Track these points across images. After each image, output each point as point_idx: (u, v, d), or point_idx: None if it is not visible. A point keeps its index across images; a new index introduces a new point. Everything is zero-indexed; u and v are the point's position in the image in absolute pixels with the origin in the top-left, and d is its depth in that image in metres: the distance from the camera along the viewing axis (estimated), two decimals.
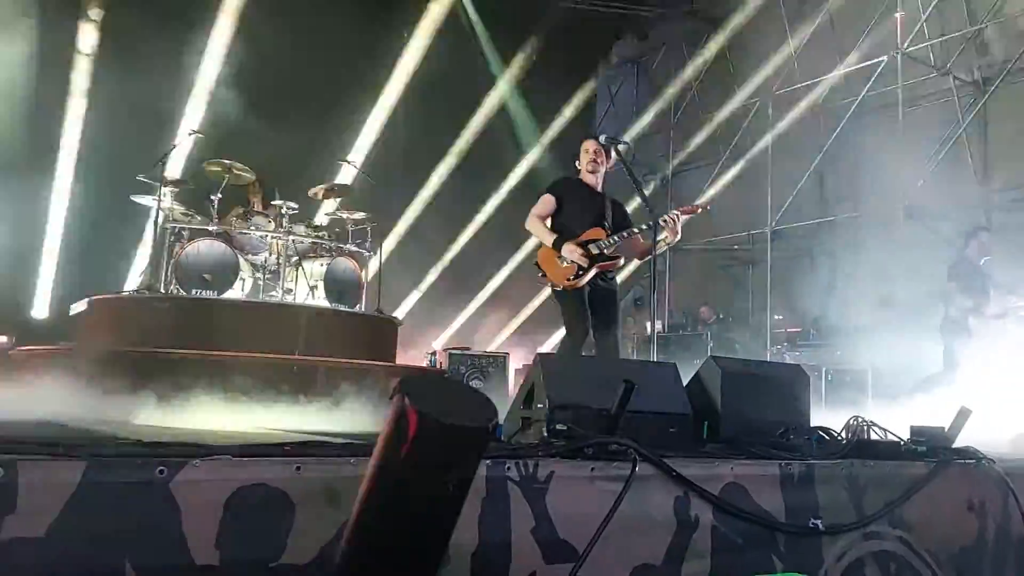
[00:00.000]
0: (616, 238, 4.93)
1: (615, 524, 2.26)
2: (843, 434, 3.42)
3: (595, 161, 5.05)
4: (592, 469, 2.37)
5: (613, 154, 5.19)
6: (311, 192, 8.16)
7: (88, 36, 9.30)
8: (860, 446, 3.19)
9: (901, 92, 10.88)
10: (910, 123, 10.86)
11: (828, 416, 3.57)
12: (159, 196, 7.05)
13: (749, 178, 13.80)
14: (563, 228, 4.96)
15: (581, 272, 4.84)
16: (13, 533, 1.66)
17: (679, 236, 4.92)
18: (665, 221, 4.85)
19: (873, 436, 3.45)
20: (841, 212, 11.73)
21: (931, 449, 3.27)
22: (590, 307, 4.92)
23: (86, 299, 6.93)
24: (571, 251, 4.82)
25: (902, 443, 3.31)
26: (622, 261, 5.04)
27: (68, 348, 6.40)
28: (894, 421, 3.55)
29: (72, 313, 7.19)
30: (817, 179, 12.16)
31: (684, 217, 4.90)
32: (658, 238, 4.75)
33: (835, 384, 9.14)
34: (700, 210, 5.07)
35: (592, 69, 14.68)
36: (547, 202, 5.02)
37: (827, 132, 12.04)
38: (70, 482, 1.72)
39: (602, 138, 5.20)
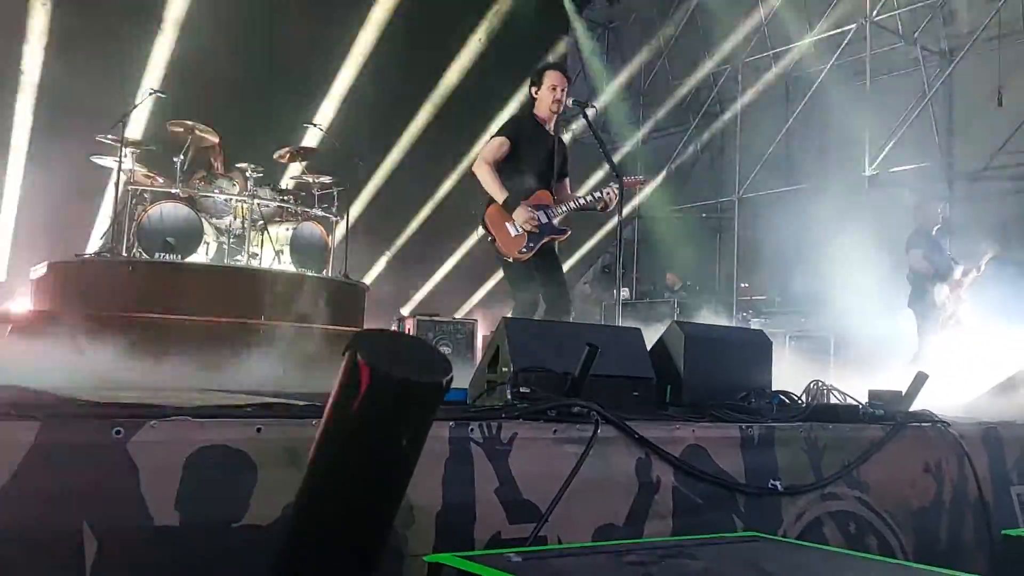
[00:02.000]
0: (563, 208, 4.76)
1: (577, 485, 2.28)
2: (803, 398, 3.48)
3: (558, 100, 4.70)
4: (555, 431, 2.39)
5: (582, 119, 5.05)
6: (276, 155, 8.03)
7: None
8: (819, 410, 3.25)
9: (869, 61, 10.94)
10: (877, 92, 10.95)
11: (790, 382, 3.62)
12: (120, 157, 6.89)
13: (717, 146, 13.86)
14: (512, 179, 4.67)
15: (532, 246, 4.62)
16: None
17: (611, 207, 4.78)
18: (608, 195, 4.77)
19: (833, 400, 3.52)
20: (807, 181, 11.84)
21: (888, 413, 3.33)
22: (538, 270, 4.72)
23: (45, 263, 6.78)
24: (526, 218, 4.55)
25: (860, 407, 3.38)
26: (569, 233, 4.85)
27: (30, 312, 6.29)
28: (855, 386, 3.62)
29: (32, 277, 7.04)
30: (784, 147, 12.24)
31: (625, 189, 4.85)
32: (596, 207, 4.74)
33: (797, 350, 9.29)
34: (638, 185, 5.04)
35: (563, 32, 14.55)
36: (500, 145, 4.66)
37: (795, 101, 12.09)
38: (24, 442, 1.70)
39: (570, 101, 4.97)
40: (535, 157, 4.75)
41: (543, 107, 4.79)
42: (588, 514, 2.36)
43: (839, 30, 11.45)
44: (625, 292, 13.22)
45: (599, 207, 4.84)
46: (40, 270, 6.86)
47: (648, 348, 3.27)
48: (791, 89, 12.52)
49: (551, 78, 4.73)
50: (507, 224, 4.63)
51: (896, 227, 8.27)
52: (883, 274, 8.21)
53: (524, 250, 4.63)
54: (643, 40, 14.61)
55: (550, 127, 4.91)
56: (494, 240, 4.68)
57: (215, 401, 2.24)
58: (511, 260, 4.66)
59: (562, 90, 4.74)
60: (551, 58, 13.86)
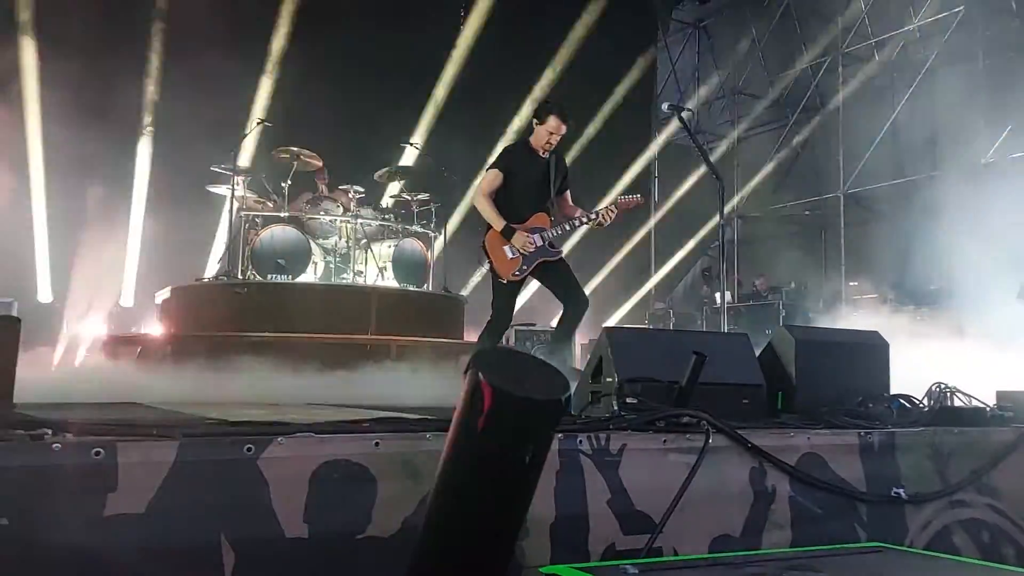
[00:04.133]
0: (559, 230, 4.92)
1: (691, 495, 2.26)
2: (925, 401, 3.32)
3: (551, 144, 4.90)
4: (665, 441, 2.37)
5: (676, 121, 5.08)
6: (376, 175, 8.28)
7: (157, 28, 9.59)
8: (943, 413, 3.10)
9: (982, 43, 10.38)
10: (991, 75, 10.35)
11: (910, 385, 3.47)
12: (232, 185, 7.26)
13: (818, 141, 13.39)
14: (509, 205, 4.88)
15: (525, 268, 4.81)
16: (116, 510, 1.76)
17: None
18: (604, 214, 4.86)
19: (957, 403, 3.35)
20: (917, 172, 11.30)
21: (1019, 415, 3.15)
22: (546, 282, 4.96)
23: (168, 288, 7.21)
24: (523, 243, 4.78)
25: (988, 409, 3.21)
26: (564, 253, 5.01)
27: (157, 335, 6.69)
28: (981, 387, 3.43)
29: (157, 302, 7.50)
30: (890, 139, 11.73)
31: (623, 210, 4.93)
32: (590, 225, 4.91)
33: (915, 350, 8.84)
34: (634, 205, 5.05)
35: (652, 36, 14.42)
36: (494, 178, 4.89)
37: (900, 90, 11.58)
38: (165, 461, 1.82)
39: (665, 106, 5.06)
40: (529, 182, 4.94)
41: (538, 141, 4.95)
42: (703, 525, 2.33)
43: (946, 13, 10.90)
44: (728, 296, 12.94)
45: (596, 225, 4.95)
46: (164, 294, 7.30)
47: (756, 353, 3.20)
48: (895, 78, 11.99)
49: (552, 123, 4.87)
50: (504, 248, 4.84)
51: (1017, 216, 7.80)
52: (1005, 266, 7.75)
53: (517, 272, 4.84)
54: (736, 36, 14.32)
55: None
56: (491, 263, 4.89)
57: (334, 417, 2.34)
58: (504, 281, 4.81)
59: (557, 137, 4.90)
60: (641, 63, 13.77)
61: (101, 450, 1.77)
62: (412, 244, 7.80)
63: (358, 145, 9.06)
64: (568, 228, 5.01)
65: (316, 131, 8.33)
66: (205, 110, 8.40)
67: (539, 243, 4.83)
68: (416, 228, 7.98)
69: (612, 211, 4.87)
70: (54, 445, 1.76)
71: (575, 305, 4.93)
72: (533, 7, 11.39)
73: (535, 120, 4.96)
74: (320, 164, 7.85)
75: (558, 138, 4.90)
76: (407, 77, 10.68)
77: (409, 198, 8.16)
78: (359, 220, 7.59)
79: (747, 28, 14.03)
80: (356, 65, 10.03)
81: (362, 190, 7.78)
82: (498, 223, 4.82)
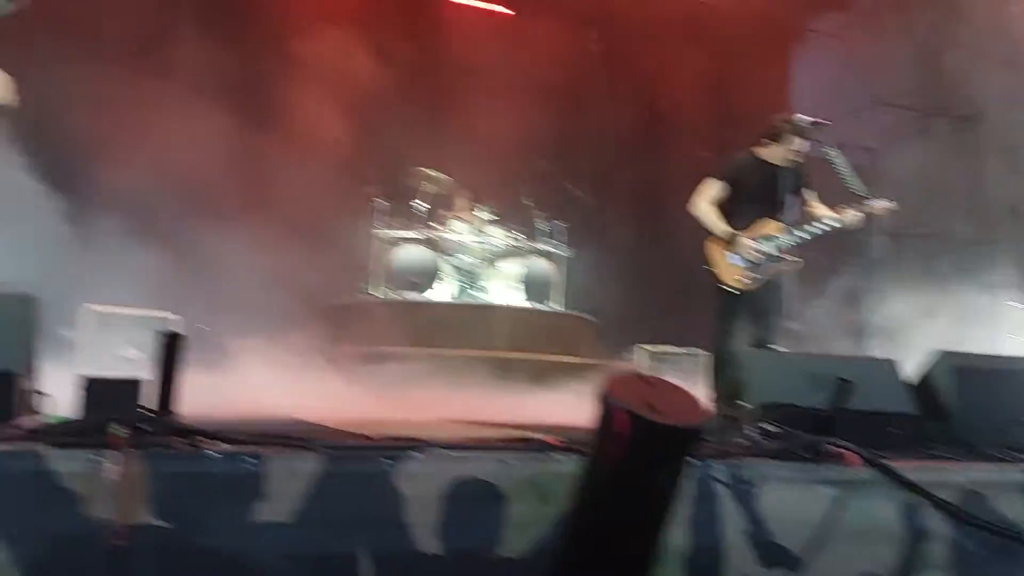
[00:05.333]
0: (798, 234, 4.54)
1: (836, 530, 2.14)
2: None
3: (793, 161, 4.57)
4: (807, 472, 2.26)
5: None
6: (507, 195, 8.38)
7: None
8: None
9: None
10: None
11: None
12: (371, 205, 7.58)
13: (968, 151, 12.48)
14: (735, 212, 4.58)
15: (754, 276, 4.49)
16: (264, 517, 1.85)
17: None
18: (849, 219, 4.49)
19: None
20: None
21: None
22: (753, 301, 4.54)
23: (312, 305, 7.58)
24: (747, 250, 4.48)
25: None
26: (802, 264, 4.61)
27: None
28: None
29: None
30: None
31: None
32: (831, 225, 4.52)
33: None
34: (886, 212, 4.63)
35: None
36: (717, 187, 4.61)
37: None
38: (310, 472, 1.89)
39: (805, 120, 4.71)
40: (759, 189, 4.62)
41: (774, 156, 4.64)
42: (849, 562, 2.20)
43: None
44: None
45: (840, 229, 4.57)
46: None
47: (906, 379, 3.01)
48: None
49: (796, 144, 4.57)
50: (725, 253, 4.57)
51: None
52: None
53: (743, 279, 4.52)
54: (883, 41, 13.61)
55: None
56: (712, 269, 4.62)
57: (468, 434, 2.37)
58: (727, 288, 4.55)
59: (802, 155, 4.60)
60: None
61: (252, 459, 1.87)
62: (541, 263, 7.86)
63: (488, 163, 9.21)
64: (805, 236, 4.60)
65: (449, 149, 8.53)
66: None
67: (768, 251, 4.52)
68: (544, 246, 8.03)
69: (856, 215, 4.48)
70: (210, 453, 1.88)
71: (766, 333, 4.52)
72: None
73: (771, 138, 4.66)
74: (451, 184, 8.05)
75: (801, 157, 4.64)
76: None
77: (537, 215, 8.23)
78: (488, 238, 7.73)
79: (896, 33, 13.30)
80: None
81: (491, 207, 7.92)
82: (718, 227, 4.58)
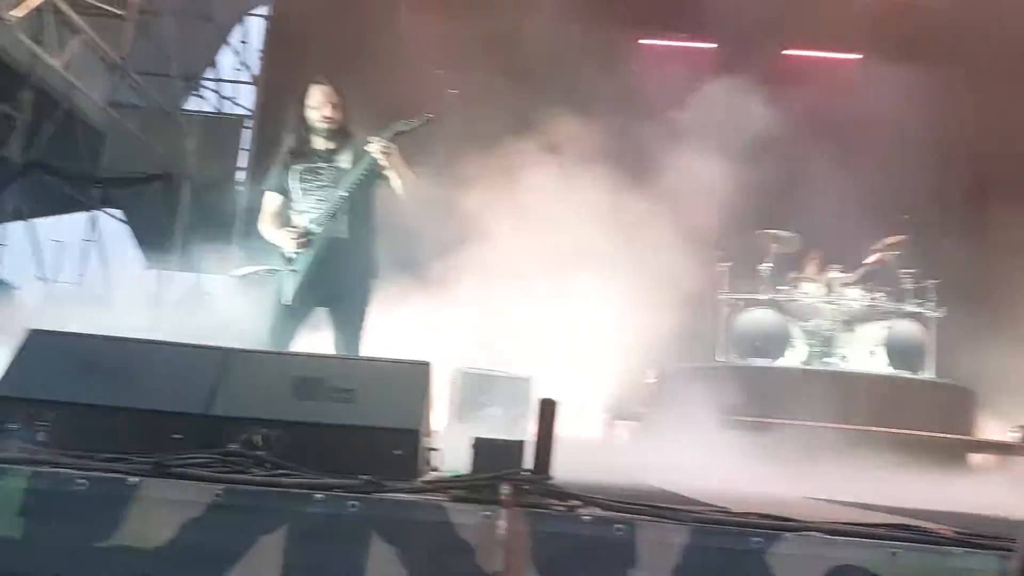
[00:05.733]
0: None
1: None
2: None
3: None
4: None
5: None
6: (872, 254, 7.74)
7: None
8: None
9: None
10: None
11: None
12: (715, 269, 7.55)
13: None
14: None
15: None
16: None
17: None
18: None
19: None
20: None
21: None
22: None
23: (655, 371, 7.70)
24: None
25: None
26: None
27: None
28: None
29: (645, 382, 8.02)
30: None
31: None
32: None
33: None
34: None
35: None
36: None
37: None
38: (679, 544, 1.89)
39: None
40: None
41: None
42: None
43: None
44: None
45: None
46: (651, 377, 7.80)
47: None
48: None
49: None
50: None
51: None
52: None
53: None
54: None
55: None
56: None
57: (841, 516, 2.20)
58: None
59: None
60: None
61: (622, 526, 1.92)
62: (907, 325, 7.14)
63: (844, 223, 8.63)
64: None
65: (800, 209, 8.16)
66: None
67: None
68: (911, 307, 7.28)
69: None
70: (584, 517, 1.97)
71: None
72: None
73: None
74: (800, 246, 7.72)
75: None
76: None
77: (901, 274, 7.51)
78: (843, 300, 7.23)
79: None
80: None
81: (848, 271, 7.43)
82: None
